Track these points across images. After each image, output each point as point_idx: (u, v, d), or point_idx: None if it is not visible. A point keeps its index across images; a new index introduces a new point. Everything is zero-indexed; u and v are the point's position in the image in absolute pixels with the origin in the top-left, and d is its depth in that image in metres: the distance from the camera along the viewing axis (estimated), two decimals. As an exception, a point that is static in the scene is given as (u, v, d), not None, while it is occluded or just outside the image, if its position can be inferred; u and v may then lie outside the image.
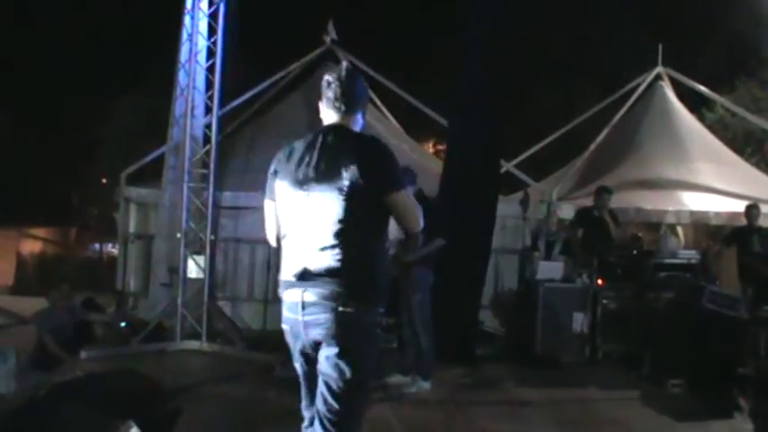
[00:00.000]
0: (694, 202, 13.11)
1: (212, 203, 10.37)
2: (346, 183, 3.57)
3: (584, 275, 9.95)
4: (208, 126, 10.61)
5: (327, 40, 14.46)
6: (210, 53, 10.61)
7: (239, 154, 12.55)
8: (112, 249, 23.10)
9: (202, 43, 10.64)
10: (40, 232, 27.12)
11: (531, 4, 11.65)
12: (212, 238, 10.35)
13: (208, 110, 10.66)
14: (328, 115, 3.87)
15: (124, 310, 11.83)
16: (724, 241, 11.62)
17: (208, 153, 10.49)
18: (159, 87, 13.99)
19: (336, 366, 3.58)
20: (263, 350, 9.52)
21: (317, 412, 3.68)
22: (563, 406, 7.73)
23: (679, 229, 14.26)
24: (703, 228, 14.21)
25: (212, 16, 10.59)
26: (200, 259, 10.19)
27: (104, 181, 24.46)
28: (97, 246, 28.07)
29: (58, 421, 4.62)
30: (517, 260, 11.93)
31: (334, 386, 3.60)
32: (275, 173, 3.84)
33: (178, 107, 10.99)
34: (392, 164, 3.71)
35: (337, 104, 3.81)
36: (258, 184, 11.76)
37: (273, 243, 3.96)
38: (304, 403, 3.86)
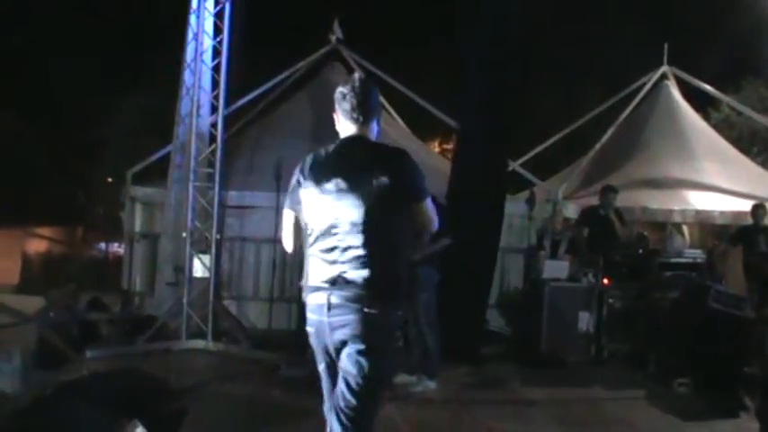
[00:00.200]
0: (700, 201, 13.09)
1: (218, 203, 10.38)
2: (376, 193, 3.71)
3: (589, 275, 9.95)
4: (213, 125, 10.62)
5: (333, 39, 14.47)
6: (216, 52, 10.62)
7: (245, 153, 12.56)
8: (118, 249, 23.08)
9: (208, 43, 10.65)
10: (46, 231, 27.11)
11: (535, 3, 11.60)
12: (218, 237, 10.36)
13: (213, 109, 10.66)
14: (346, 126, 3.98)
15: (130, 310, 11.84)
16: (730, 240, 11.62)
17: (213, 152, 10.49)
18: (164, 86, 13.99)
19: (357, 363, 3.70)
20: (269, 349, 9.54)
21: (335, 408, 3.78)
22: (568, 405, 7.73)
23: (685, 229, 14.25)
24: (709, 227, 14.20)
25: (218, 16, 10.60)
26: (206, 258, 10.20)
27: (110, 180, 24.46)
28: (103, 245, 28.02)
29: (64, 420, 4.63)
30: (523, 259, 11.94)
31: (353, 383, 3.71)
32: (299, 183, 3.93)
33: (184, 106, 10.99)
34: (419, 175, 3.87)
35: (355, 115, 3.92)
36: (264, 184, 11.85)
37: (290, 250, 4.12)
38: (327, 405, 3.93)
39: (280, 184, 9.46)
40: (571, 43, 22.40)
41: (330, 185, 3.78)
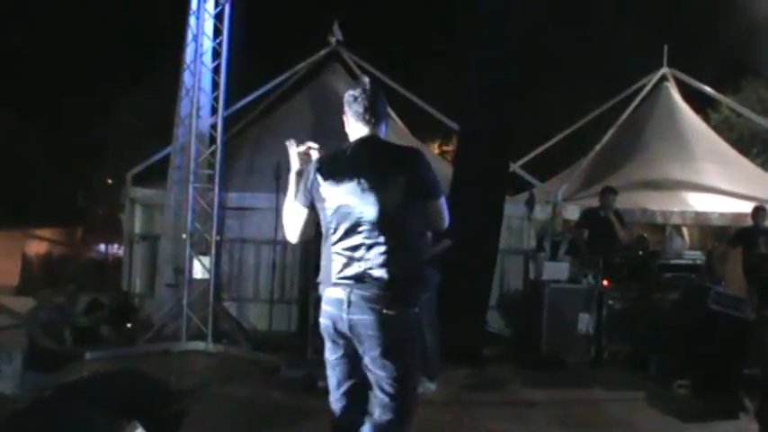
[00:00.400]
0: (700, 202, 13.09)
1: (218, 204, 10.39)
2: (398, 191, 3.84)
3: (589, 276, 9.95)
4: (213, 127, 10.63)
5: (333, 41, 14.47)
6: (216, 54, 10.63)
7: (245, 155, 12.57)
8: (118, 250, 23.08)
9: (208, 44, 10.66)
10: (46, 233, 27.09)
11: (535, 4, 11.60)
12: (218, 238, 10.37)
13: (213, 110, 10.67)
14: (357, 128, 4.09)
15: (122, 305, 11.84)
16: (729, 242, 11.61)
17: (213, 154, 10.51)
18: (164, 88, 13.99)
19: (384, 367, 3.82)
20: (269, 351, 9.56)
21: (373, 417, 3.90)
22: (568, 407, 7.72)
23: (684, 230, 14.25)
24: (708, 228, 14.19)
25: (218, 17, 10.61)
26: (206, 260, 10.21)
27: (110, 181, 24.47)
28: (102, 246, 28.04)
29: (64, 422, 4.62)
30: (522, 261, 11.93)
31: (385, 386, 3.84)
32: (318, 183, 3.98)
33: (183, 108, 11.00)
34: (433, 174, 4.04)
35: (367, 117, 4.05)
36: (264, 185, 11.83)
37: (295, 241, 4.21)
38: (334, 396, 4.01)
39: (279, 186, 9.46)
40: (571, 44, 22.39)
41: (353, 185, 3.87)
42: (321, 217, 3.99)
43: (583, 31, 22.18)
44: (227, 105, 10.86)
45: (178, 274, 10.63)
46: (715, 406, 7.30)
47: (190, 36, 10.81)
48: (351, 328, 3.82)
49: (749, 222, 11.32)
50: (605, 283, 9.88)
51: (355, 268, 3.83)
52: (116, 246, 24.24)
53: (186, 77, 10.85)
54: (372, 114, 4.04)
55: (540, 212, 12.01)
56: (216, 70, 10.58)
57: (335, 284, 3.87)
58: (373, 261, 3.80)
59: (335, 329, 3.89)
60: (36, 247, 26.27)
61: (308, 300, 8.68)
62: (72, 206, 27.41)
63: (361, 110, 4.03)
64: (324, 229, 4.00)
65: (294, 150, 4.21)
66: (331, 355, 3.98)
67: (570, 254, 10.71)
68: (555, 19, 20.06)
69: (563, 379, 8.83)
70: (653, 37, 16.62)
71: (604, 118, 15.48)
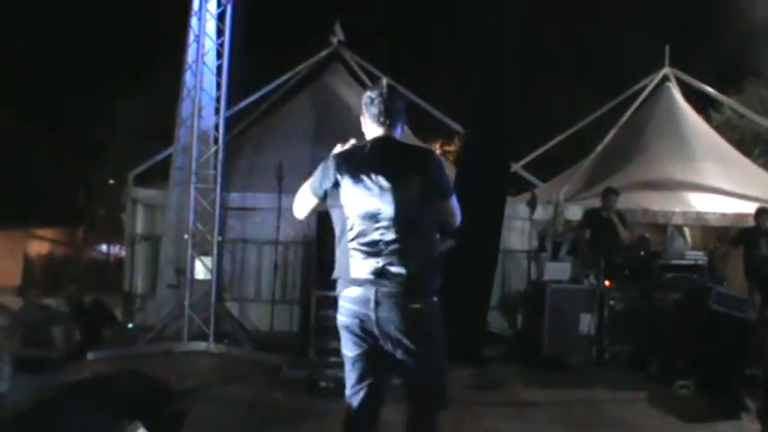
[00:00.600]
0: (701, 203, 13.10)
1: (219, 204, 10.40)
2: (414, 190, 3.94)
3: (591, 276, 9.95)
4: (215, 127, 10.63)
5: (334, 41, 14.48)
6: (218, 54, 10.63)
7: (246, 155, 12.57)
8: (120, 250, 23.08)
9: (209, 44, 10.66)
10: (47, 233, 27.11)
11: (535, 4, 11.61)
12: (219, 239, 10.38)
13: (215, 111, 10.67)
14: (373, 129, 4.18)
15: (131, 311, 11.86)
16: (731, 242, 11.62)
17: (215, 154, 10.51)
18: (166, 88, 14.00)
19: (416, 358, 3.96)
20: (271, 351, 9.55)
21: (408, 407, 4.10)
22: (570, 407, 7.73)
23: (686, 231, 14.23)
24: (710, 229, 14.19)
25: (220, 18, 10.62)
26: (208, 260, 10.21)
27: (111, 182, 24.45)
28: (104, 247, 28.02)
29: (65, 422, 4.62)
30: (524, 261, 11.93)
31: (418, 376, 4.03)
32: (336, 180, 4.03)
33: (185, 108, 11.02)
34: (446, 175, 4.14)
35: (382, 119, 4.14)
36: (265, 186, 11.82)
37: (300, 217, 4.31)
38: (350, 391, 4.06)
39: (281, 186, 9.47)
40: (572, 45, 22.40)
41: (372, 183, 3.94)
42: (337, 214, 4.07)
43: (584, 31, 22.19)
44: (228, 106, 10.86)
45: (180, 274, 10.64)
46: (717, 406, 7.30)
47: (192, 36, 10.83)
48: (379, 325, 3.89)
49: (751, 223, 11.32)
50: (607, 283, 9.88)
51: (373, 264, 3.90)
52: (118, 246, 24.22)
53: (188, 78, 10.86)
54: (388, 117, 4.13)
55: (542, 213, 12.01)
56: (218, 71, 10.58)
57: (356, 281, 3.94)
58: (391, 257, 3.88)
59: (362, 328, 3.95)
60: (38, 248, 26.31)
61: (310, 300, 8.67)
62: (73, 206, 27.40)
63: (376, 112, 4.12)
64: (340, 226, 4.06)
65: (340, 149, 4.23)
66: (351, 351, 4.03)
67: (572, 254, 10.72)
68: (557, 19, 20.08)
69: (565, 379, 8.83)
70: (655, 37, 16.61)
71: (606, 118, 15.48)
